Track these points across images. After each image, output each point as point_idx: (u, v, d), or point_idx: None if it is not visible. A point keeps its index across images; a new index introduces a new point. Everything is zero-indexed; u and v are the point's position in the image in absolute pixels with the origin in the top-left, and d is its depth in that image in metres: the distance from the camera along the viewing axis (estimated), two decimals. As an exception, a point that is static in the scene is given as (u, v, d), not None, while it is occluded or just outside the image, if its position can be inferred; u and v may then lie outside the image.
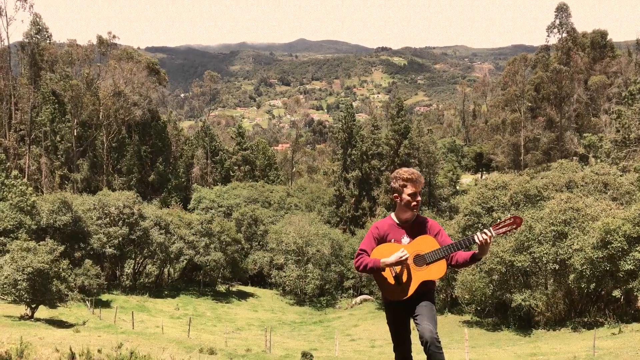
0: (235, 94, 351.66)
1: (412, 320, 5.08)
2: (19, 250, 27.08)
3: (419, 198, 5.02)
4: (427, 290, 5.01)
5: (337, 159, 73.43)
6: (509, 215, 4.97)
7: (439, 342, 4.76)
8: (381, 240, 5.08)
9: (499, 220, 5.01)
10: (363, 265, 4.99)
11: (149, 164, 73.73)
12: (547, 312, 30.31)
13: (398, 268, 4.97)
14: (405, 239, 5.05)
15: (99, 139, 71.24)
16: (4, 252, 31.32)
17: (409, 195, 5.00)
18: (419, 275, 4.95)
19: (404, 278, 4.98)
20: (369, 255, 5.03)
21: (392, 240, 5.05)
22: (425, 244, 4.99)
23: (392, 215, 5.19)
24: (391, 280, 5.00)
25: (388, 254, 4.97)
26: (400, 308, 5.09)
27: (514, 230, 5.04)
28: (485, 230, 4.85)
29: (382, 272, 5.00)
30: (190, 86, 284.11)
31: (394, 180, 5.07)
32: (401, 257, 4.85)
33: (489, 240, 4.78)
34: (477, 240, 4.81)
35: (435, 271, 4.97)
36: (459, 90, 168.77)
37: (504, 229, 4.90)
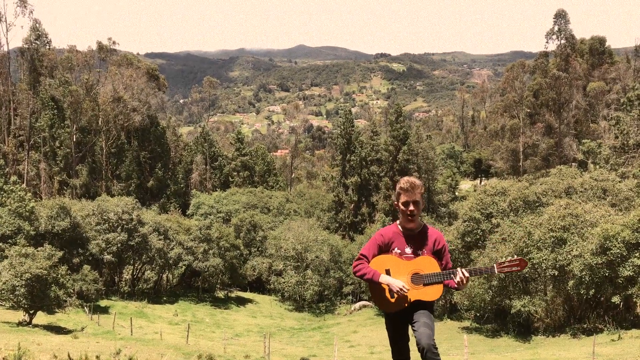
0: (235, 99, 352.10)
1: (410, 327, 5.09)
2: (18, 256, 27.03)
3: (413, 207, 4.99)
4: (423, 302, 5.03)
5: (336, 164, 73.50)
6: (516, 257, 5.06)
7: (436, 348, 4.76)
8: (385, 247, 5.09)
9: (505, 259, 5.10)
10: (361, 273, 5.01)
11: (148, 169, 73.72)
12: (547, 318, 30.28)
13: None
14: (409, 249, 5.06)
15: (98, 145, 71.25)
16: (2, 258, 31.26)
17: (402, 204, 5.03)
18: (414, 294, 4.96)
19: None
20: (369, 262, 5.04)
21: (396, 248, 5.06)
22: (427, 264, 5.00)
23: (398, 222, 5.20)
24: (386, 293, 5.01)
25: (389, 266, 5.00)
26: (397, 316, 5.10)
27: (517, 271, 5.21)
28: (463, 270, 4.96)
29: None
30: (189, 92, 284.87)
31: (395, 190, 5.17)
32: (401, 291, 4.87)
33: (464, 282, 4.93)
34: (453, 282, 4.95)
35: (431, 293, 4.98)
36: (457, 97, 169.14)
37: (507, 269, 5.03)
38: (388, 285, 4.92)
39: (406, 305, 4.97)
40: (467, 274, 4.95)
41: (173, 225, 48.40)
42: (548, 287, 30.82)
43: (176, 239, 46.50)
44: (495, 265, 5.04)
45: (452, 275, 4.95)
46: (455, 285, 4.98)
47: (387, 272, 4.99)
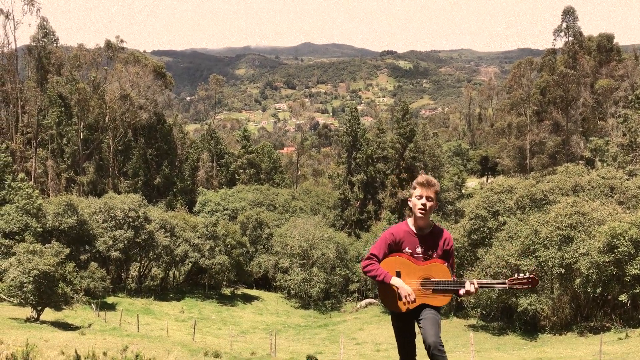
0: (241, 97, 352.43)
1: (417, 325, 5.08)
2: (25, 252, 27.20)
3: (425, 202, 4.96)
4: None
5: (342, 162, 73.41)
6: (528, 275, 5.05)
7: (442, 346, 4.75)
8: (395, 246, 5.03)
9: (517, 275, 5.08)
10: (373, 274, 4.94)
11: (155, 167, 73.93)
12: (553, 316, 30.19)
13: None
14: (419, 249, 5.02)
15: (105, 142, 71.49)
16: (10, 255, 31.46)
17: (416, 197, 5.01)
18: (422, 299, 4.95)
19: None
20: (379, 261, 4.98)
21: (407, 248, 5.02)
22: (438, 271, 4.97)
23: (409, 221, 5.14)
24: (394, 294, 4.99)
25: (400, 267, 4.97)
26: (403, 313, 5.09)
27: (527, 288, 5.19)
28: (474, 281, 4.94)
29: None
30: (195, 89, 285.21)
31: (410, 185, 5.19)
32: (408, 298, 4.84)
33: (472, 293, 4.94)
34: (461, 292, 4.95)
35: (439, 300, 4.98)
36: (464, 94, 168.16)
37: (518, 286, 5.03)
38: (397, 289, 4.91)
39: (416, 306, 4.97)
40: (477, 286, 4.93)
41: (179, 223, 48.52)
42: (555, 285, 30.72)
43: (183, 236, 46.63)
44: (507, 281, 5.03)
45: (461, 285, 4.94)
46: (462, 295, 4.99)
47: (398, 274, 4.95)
